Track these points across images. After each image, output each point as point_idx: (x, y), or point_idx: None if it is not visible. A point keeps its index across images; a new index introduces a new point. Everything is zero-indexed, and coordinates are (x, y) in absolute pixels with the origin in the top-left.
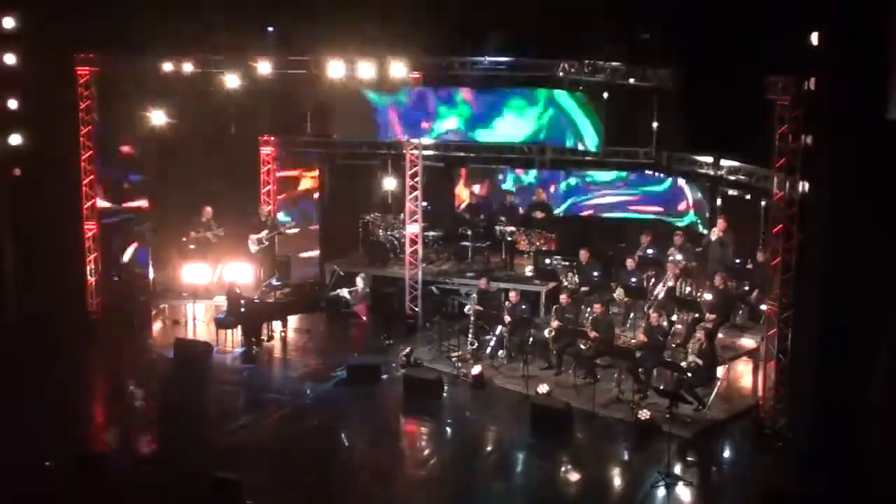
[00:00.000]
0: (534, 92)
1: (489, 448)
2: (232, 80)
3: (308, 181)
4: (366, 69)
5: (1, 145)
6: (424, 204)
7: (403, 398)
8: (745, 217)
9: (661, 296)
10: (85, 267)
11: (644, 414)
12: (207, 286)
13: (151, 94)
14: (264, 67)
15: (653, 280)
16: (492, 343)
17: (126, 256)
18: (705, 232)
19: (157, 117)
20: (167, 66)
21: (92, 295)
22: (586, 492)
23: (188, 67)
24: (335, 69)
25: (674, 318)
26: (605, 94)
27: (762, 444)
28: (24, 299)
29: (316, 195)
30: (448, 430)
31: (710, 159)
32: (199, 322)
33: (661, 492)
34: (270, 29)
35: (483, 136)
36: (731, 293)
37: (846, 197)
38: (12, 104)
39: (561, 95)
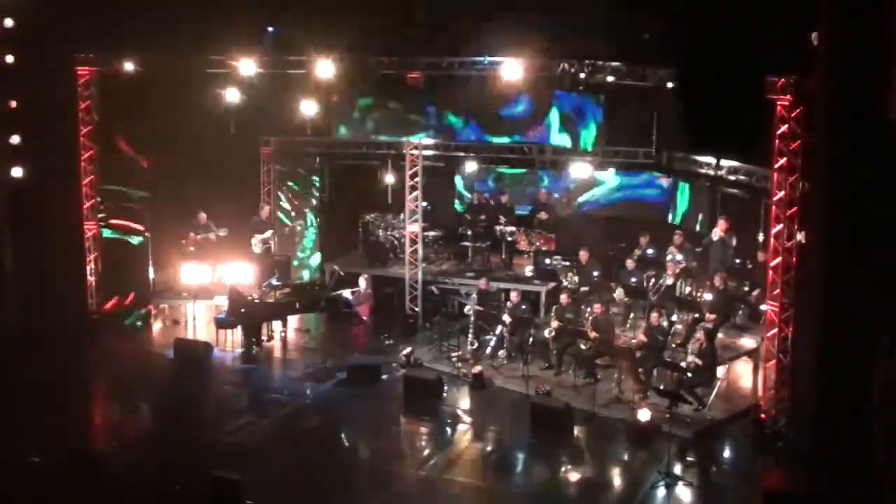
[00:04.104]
0: None
1: (489, 448)
2: (232, 83)
3: None
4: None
5: (1, 145)
6: (424, 204)
7: (403, 398)
8: (745, 217)
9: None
10: (85, 267)
11: (644, 414)
12: (207, 286)
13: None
14: (263, 67)
15: (652, 280)
16: (492, 343)
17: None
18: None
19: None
20: (166, 67)
21: (92, 295)
22: (586, 492)
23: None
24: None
25: (674, 318)
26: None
27: (762, 444)
28: (24, 299)
29: None
30: (448, 430)
31: (710, 159)
32: (199, 322)
33: (661, 492)
34: (270, 29)
35: None
36: (731, 293)
37: (846, 197)
38: (12, 104)
39: None
